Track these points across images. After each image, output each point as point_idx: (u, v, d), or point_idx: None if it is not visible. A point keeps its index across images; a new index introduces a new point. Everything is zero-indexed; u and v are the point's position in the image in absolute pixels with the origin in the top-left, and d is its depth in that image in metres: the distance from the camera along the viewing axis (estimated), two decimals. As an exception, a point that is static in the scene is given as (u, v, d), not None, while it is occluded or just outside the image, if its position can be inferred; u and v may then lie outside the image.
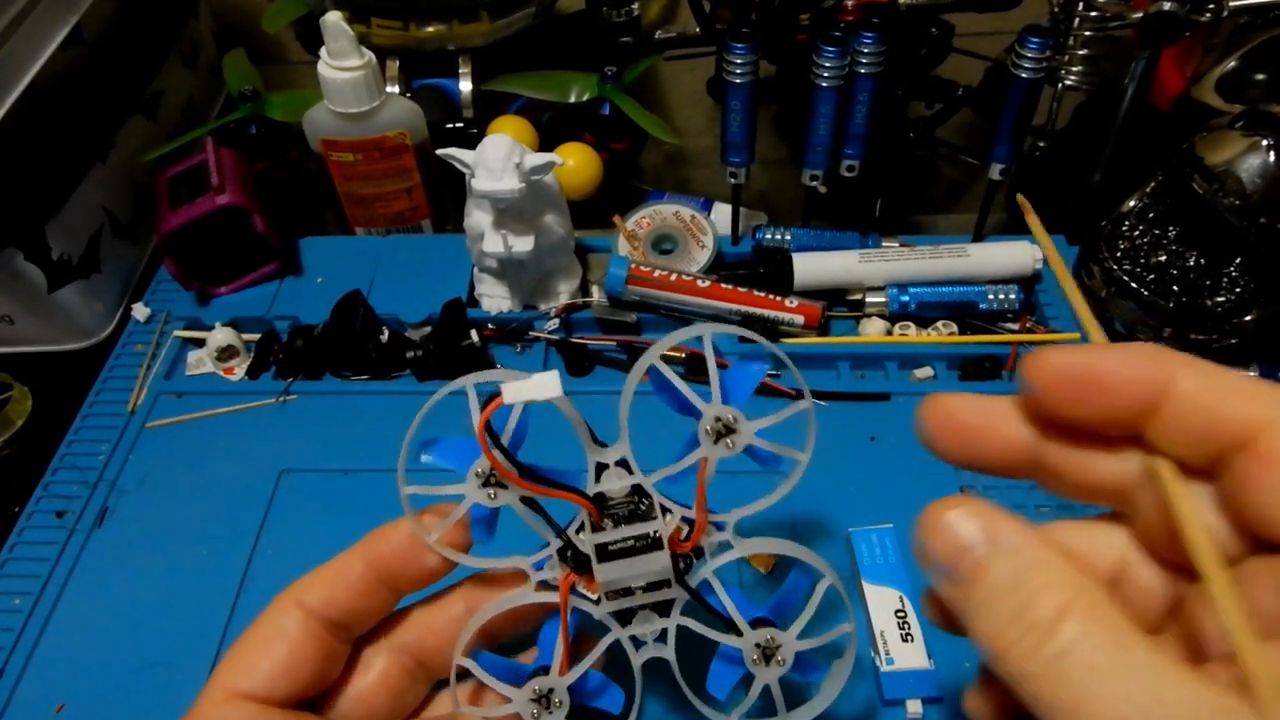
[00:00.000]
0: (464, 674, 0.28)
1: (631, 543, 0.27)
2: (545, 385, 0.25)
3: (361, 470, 0.48)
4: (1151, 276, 0.49)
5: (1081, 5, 0.54)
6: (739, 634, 0.28)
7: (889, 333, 0.53)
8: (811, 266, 0.54)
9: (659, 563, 0.27)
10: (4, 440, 0.52)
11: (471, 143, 0.47)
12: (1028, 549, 0.20)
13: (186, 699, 0.39)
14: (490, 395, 0.25)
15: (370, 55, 0.52)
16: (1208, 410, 0.19)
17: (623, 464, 0.27)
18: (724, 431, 0.27)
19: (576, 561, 0.27)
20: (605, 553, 0.27)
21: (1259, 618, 0.18)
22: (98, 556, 0.45)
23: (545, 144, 0.62)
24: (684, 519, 0.28)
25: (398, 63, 0.62)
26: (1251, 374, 0.23)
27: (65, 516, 0.46)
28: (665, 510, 0.27)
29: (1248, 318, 0.48)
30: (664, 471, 0.27)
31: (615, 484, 0.27)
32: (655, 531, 0.27)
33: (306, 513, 0.46)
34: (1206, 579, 0.18)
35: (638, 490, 0.28)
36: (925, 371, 0.51)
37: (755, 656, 0.28)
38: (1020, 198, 0.29)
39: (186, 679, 0.40)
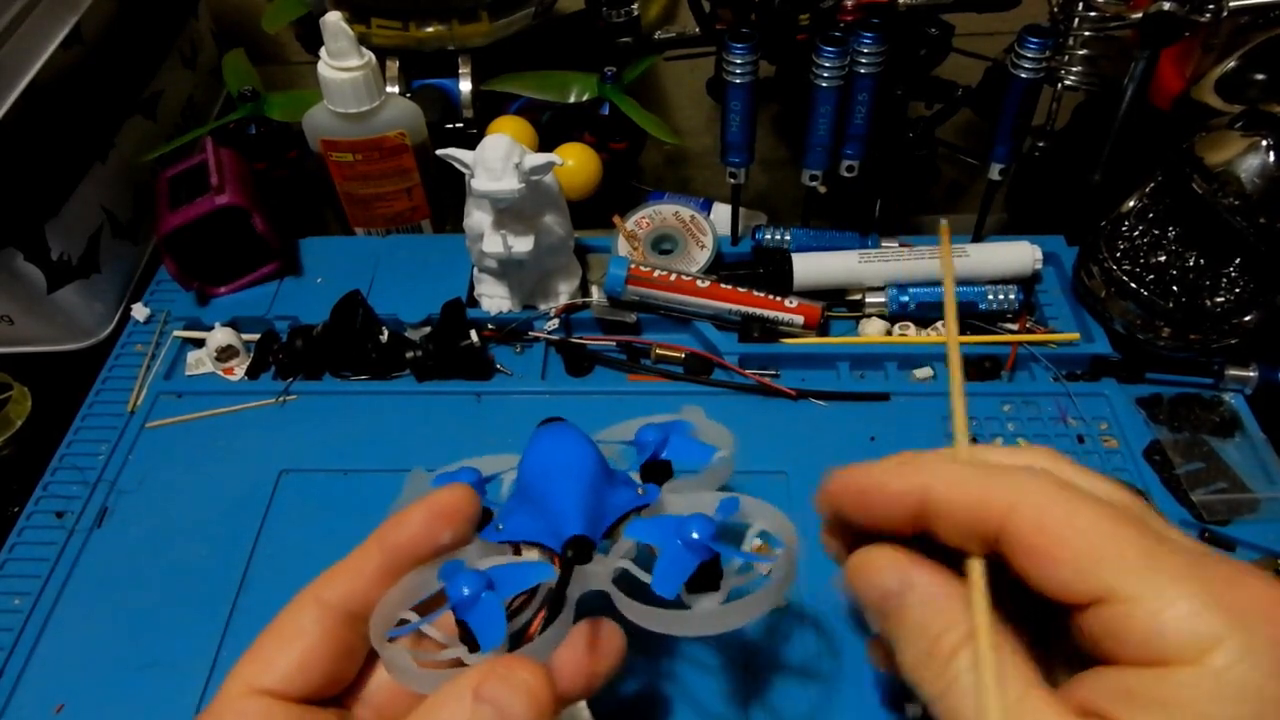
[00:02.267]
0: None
1: None
2: None
3: (361, 470, 0.48)
4: (1151, 276, 0.49)
5: (1081, 5, 0.54)
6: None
7: (889, 333, 0.53)
8: (811, 267, 0.54)
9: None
10: (4, 440, 0.52)
11: (471, 143, 0.47)
12: (935, 599, 0.24)
13: (187, 699, 0.40)
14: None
15: (370, 55, 0.52)
16: (961, 512, 0.23)
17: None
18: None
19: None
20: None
21: None
22: (98, 556, 0.45)
23: (545, 144, 0.62)
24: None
25: (398, 63, 0.62)
26: (1001, 452, 0.27)
27: (65, 516, 0.46)
28: None
29: (1247, 318, 0.48)
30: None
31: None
32: None
33: (306, 513, 0.46)
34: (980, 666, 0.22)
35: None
36: (925, 372, 0.51)
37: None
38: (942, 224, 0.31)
39: (186, 679, 0.40)
